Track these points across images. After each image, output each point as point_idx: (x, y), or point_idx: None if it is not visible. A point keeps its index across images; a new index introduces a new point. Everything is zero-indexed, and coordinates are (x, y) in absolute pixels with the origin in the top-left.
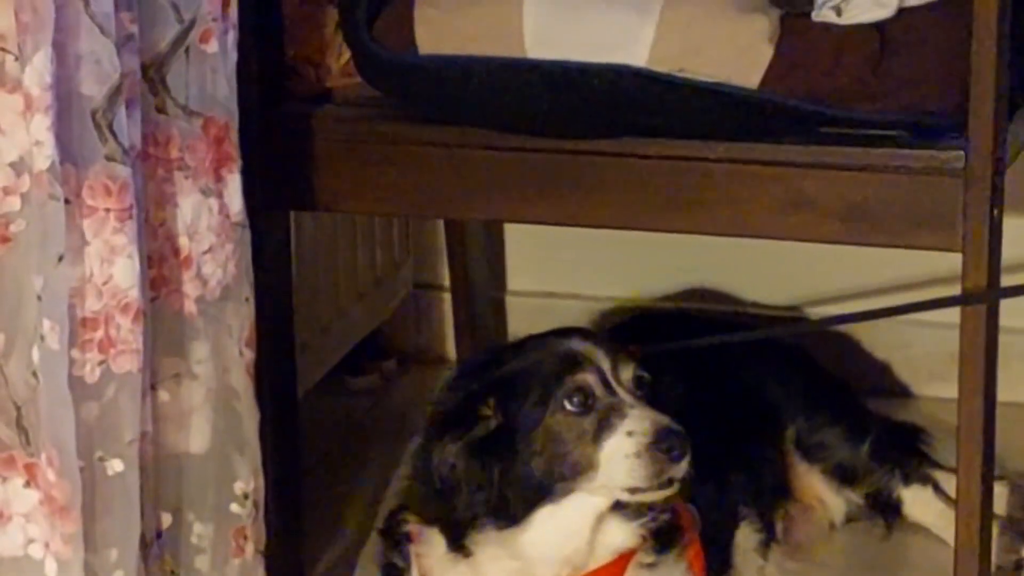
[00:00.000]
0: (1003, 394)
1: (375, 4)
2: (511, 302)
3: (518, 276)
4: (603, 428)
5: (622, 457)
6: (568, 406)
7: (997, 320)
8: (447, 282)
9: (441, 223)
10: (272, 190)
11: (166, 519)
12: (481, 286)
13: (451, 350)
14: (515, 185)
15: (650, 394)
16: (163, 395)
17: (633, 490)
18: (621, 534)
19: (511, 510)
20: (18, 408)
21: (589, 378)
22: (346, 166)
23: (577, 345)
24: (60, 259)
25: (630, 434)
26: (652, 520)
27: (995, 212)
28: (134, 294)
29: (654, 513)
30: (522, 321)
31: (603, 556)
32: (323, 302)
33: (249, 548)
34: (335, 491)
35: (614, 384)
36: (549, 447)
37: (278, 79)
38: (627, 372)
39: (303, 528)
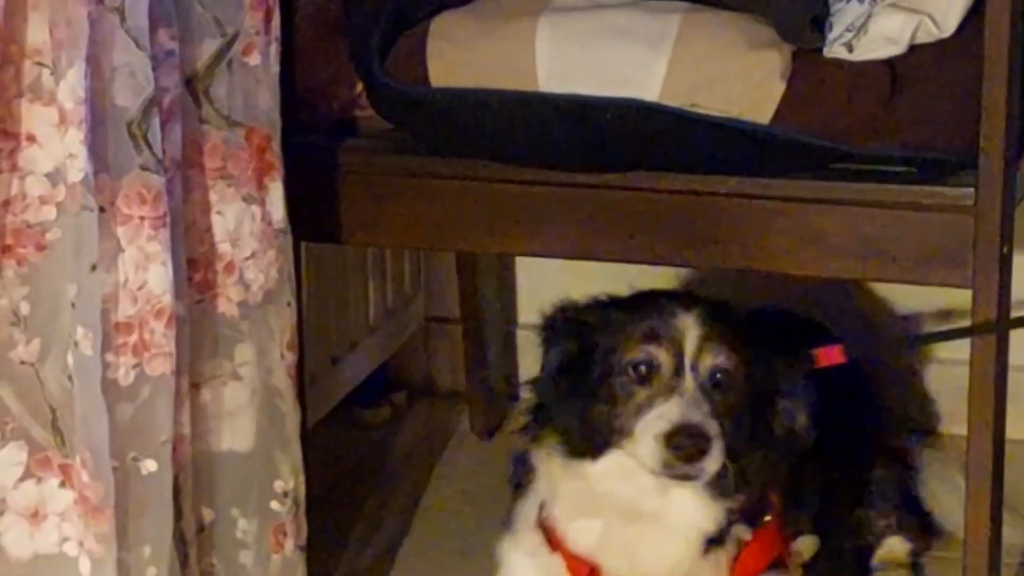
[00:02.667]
0: (1013, 431)
1: (387, 37)
2: (522, 336)
3: (529, 310)
4: (648, 403)
5: (649, 437)
6: (631, 371)
7: (1006, 355)
8: (458, 315)
9: (452, 256)
10: None
11: (208, 514)
12: (492, 319)
13: (461, 383)
14: (527, 218)
15: (727, 388)
16: (206, 395)
17: (652, 470)
18: (697, 511)
19: (587, 442)
20: (54, 411)
21: (662, 355)
22: (358, 198)
23: (674, 319)
24: (93, 268)
25: (660, 418)
26: (736, 508)
27: (1005, 248)
28: (167, 299)
29: (741, 499)
30: (532, 355)
31: (680, 531)
32: (334, 334)
33: (288, 544)
34: (343, 523)
35: (687, 368)
36: (608, 401)
37: (290, 110)
38: (707, 360)
39: (310, 559)
